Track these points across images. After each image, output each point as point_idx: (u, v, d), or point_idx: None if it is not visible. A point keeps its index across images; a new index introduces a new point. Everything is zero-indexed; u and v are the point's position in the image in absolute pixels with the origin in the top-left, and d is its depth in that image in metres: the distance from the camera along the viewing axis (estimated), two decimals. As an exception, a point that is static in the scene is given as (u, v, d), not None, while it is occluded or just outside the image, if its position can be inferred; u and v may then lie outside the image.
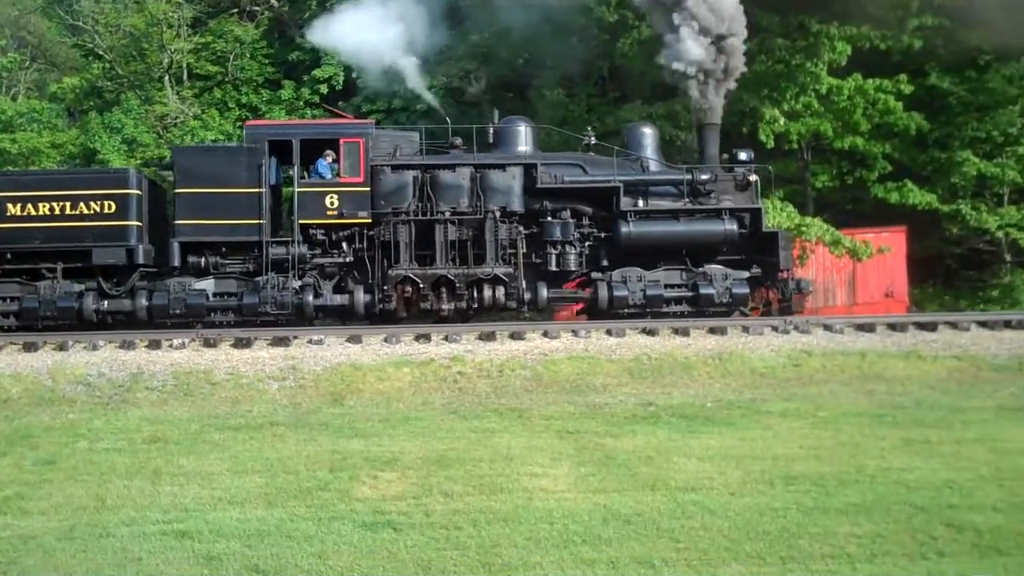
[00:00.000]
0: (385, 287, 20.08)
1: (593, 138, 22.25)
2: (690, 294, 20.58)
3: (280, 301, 19.77)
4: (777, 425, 13.73)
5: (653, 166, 21.72)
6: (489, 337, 17.53)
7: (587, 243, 21.07)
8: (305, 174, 20.47)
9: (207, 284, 20.08)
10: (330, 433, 13.65)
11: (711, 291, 20.41)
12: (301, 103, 34.06)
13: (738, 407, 14.60)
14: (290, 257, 20.03)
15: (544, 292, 20.55)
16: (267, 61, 36.28)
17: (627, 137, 22.25)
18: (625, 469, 12.01)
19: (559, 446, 12.88)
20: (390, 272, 20.06)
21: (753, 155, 22.33)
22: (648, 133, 22.26)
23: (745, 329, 17.91)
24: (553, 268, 20.67)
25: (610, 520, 10.44)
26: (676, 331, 17.81)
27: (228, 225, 19.91)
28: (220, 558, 9.28)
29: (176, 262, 20.00)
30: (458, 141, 21.65)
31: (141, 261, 19.84)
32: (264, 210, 19.90)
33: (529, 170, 20.80)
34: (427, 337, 17.60)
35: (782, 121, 27.39)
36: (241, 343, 17.47)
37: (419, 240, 20.30)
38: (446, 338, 17.53)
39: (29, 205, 19.55)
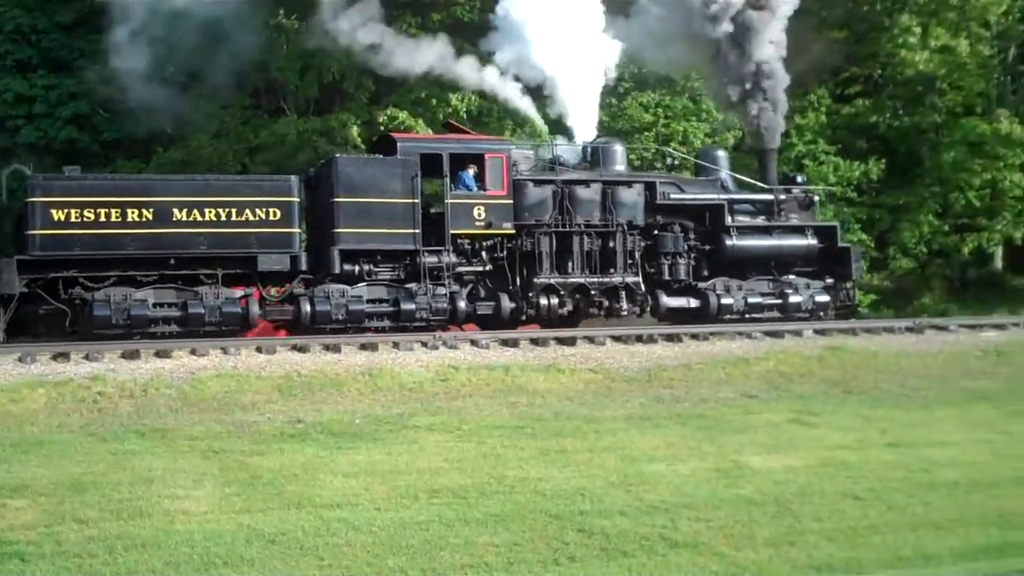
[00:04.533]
0: (530, 294, 21.18)
1: (676, 159, 25.92)
2: (779, 302, 22.88)
3: (435, 307, 20.26)
4: (423, 439, 14.01)
5: (730, 185, 24.08)
6: (133, 355, 16.91)
7: (692, 254, 22.84)
8: (452, 186, 21.06)
9: (362, 291, 20.27)
10: (-46, 460, 12.77)
11: (799, 299, 22.93)
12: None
13: (386, 422, 14.76)
14: (443, 265, 20.63)
15: (664, 299, 22.44)
16: None
17: (704, 159, 24.89)
18: (271, 488, 11.93)
19: (203, 467, 12.62)
20: (535, 280, 21.30)
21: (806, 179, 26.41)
22: (722, 156, 24.95)
23: (395, 345, 18.16)
24: (666, 277, 22.58)
25: (254, 540, 10.37)
26: (327, 347, 17.82)
27: (386, 234, 20.40)
28: None
29: (337, 269, 20.12)
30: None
31: (304, 268, 19.97)
32: (418, 220, 20.48)
33: (648, 187, 22.58)
34: (66, 356, 16.76)
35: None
36: None
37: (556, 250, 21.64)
38: (86, 356, 16.75)
39: (195, 210, 19.20)
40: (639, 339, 19.57)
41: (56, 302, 18.88)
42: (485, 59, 25.56)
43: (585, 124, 24.80)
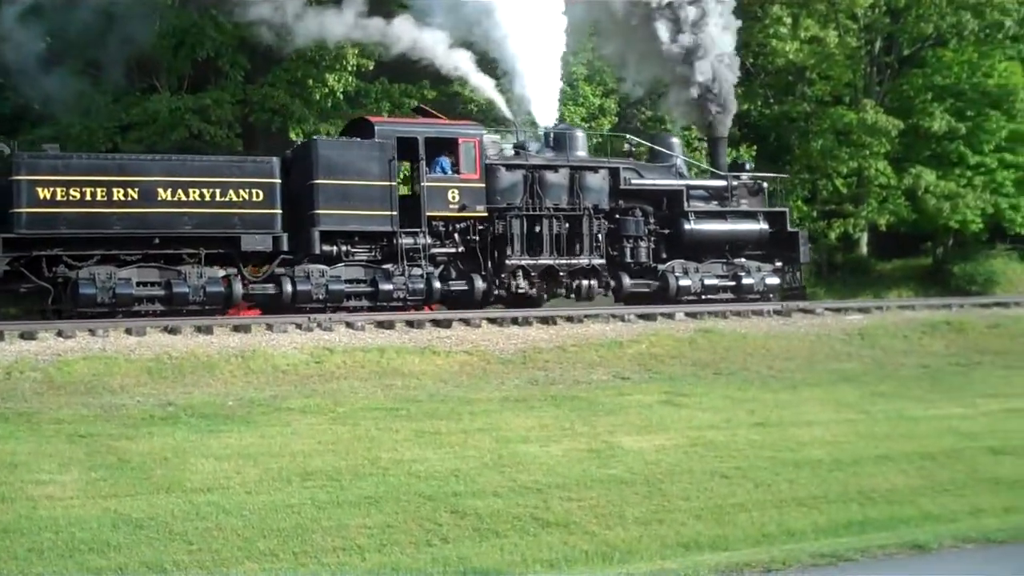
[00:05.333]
0: (503, 275, 21.63)
1: (633, 146, 25.75)
2: (733, 283, 23.81)
3: (412, 288, 20.60)
4: (297, 422, 13.90)
5: (683, 171, 25.03)
6: (-4, 337, 16.42)
7: (652, 238, 23.50)
8: (427, 170, 21.34)
9: (341, 271, 20.49)
10: None
11: (751, 281, 23.87)
12: None
13: (259, 405, 14.61)
14: (420, 247, 20.90)
15: (627, 281, 22.96)
16: None
17: (660, 144, 25.47)
18: (139, 472, 11.74)
19: (69, 451, 12.34)
20: (507, 261, 21.69)
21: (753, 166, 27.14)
22: (677, 143, 25.81)
23: (269, 327, 17.96)
24: (628, 260, 23.12)
25: (120, 525, 10.21)
26: (199, 329, 17.53)
27: (364, 216, 20.61)
28: None
29: (317, 250, 20.19)
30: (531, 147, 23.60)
31: (285, 248, 19.98)
32: (395, 202, 20.76)
33: (612, 172, 23.23)
34: (-76, 338, 16.19)
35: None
36: None
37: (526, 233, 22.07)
38: (-54, 338, 16.22)
39: (180, 190, 19.31)
40: (515, 321, 19.68)
41: (39, 281, 18.79)
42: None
43: (546, 109, 25.09)
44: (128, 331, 17.16)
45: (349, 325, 18.51)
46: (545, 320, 19.93)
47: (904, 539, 11.23)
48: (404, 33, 24.77)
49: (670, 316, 20.96)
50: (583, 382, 17.02)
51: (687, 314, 21.20)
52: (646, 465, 13.06)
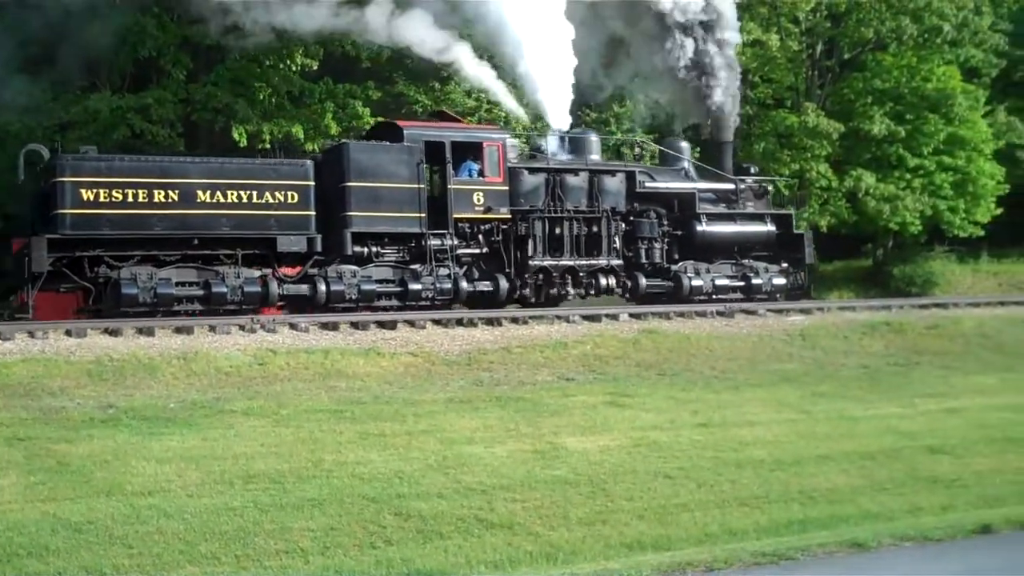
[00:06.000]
0: (526, 275, 22.32)
1: (644, 149, 27.09)
2: (742, 284, 24.58)
3: (440, 288, 21.20)
4: (240, 424, 13.80)
5: (692, 174, 25.60)
6: (-68, 339, 16.15)
7: (665, 239, 24.25)
8: (453, 172, 21.92)
9: (371, 271, 21.03)
10: None
11: (760, 281, 24.65)
12: None
13: (202, 407, 14.48)
14: (447, 248, 21.50)
15: (643, 281, 23.70)
16: None
17: (669, 148, 26.26)
18: (79, 475, 11.60)
19: (8, 454, 12.16)
20: (530, 262, 22.42)
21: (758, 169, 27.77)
22: (686, 147, 26.47)
23: (212, 328, 17.81)
24: (644, 260, 23.89)
25: (59, 530, 10.08)
26: (140, 331, 17.35)
27: (394, 217, 21.16)
28: None
29: (349, 251, 20.70)
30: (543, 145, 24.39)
31: (319, 249, 20.54)
32: (424, 204, 21.30)
33: (628, 176, 23.96)
34: None
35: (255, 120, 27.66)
36: None
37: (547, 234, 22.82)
38: None
39: (218, 192, 19.84)
40: (459, 323, 19.68)
41: (81, 280, 19.10)
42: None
43: (560, 113, 25.45)
44: (68, 333, 16.97)
45: (293, 326, 18.42)
46: (490, 321, 19.96)
47: (844, 538, 11.35)
48: (378, 22, 24.63)
49: (614, 317, 21.06)
50: (528, 383, 17.05)
51: (631, 315, 21.33)
52: (590, 466, 13.10)
